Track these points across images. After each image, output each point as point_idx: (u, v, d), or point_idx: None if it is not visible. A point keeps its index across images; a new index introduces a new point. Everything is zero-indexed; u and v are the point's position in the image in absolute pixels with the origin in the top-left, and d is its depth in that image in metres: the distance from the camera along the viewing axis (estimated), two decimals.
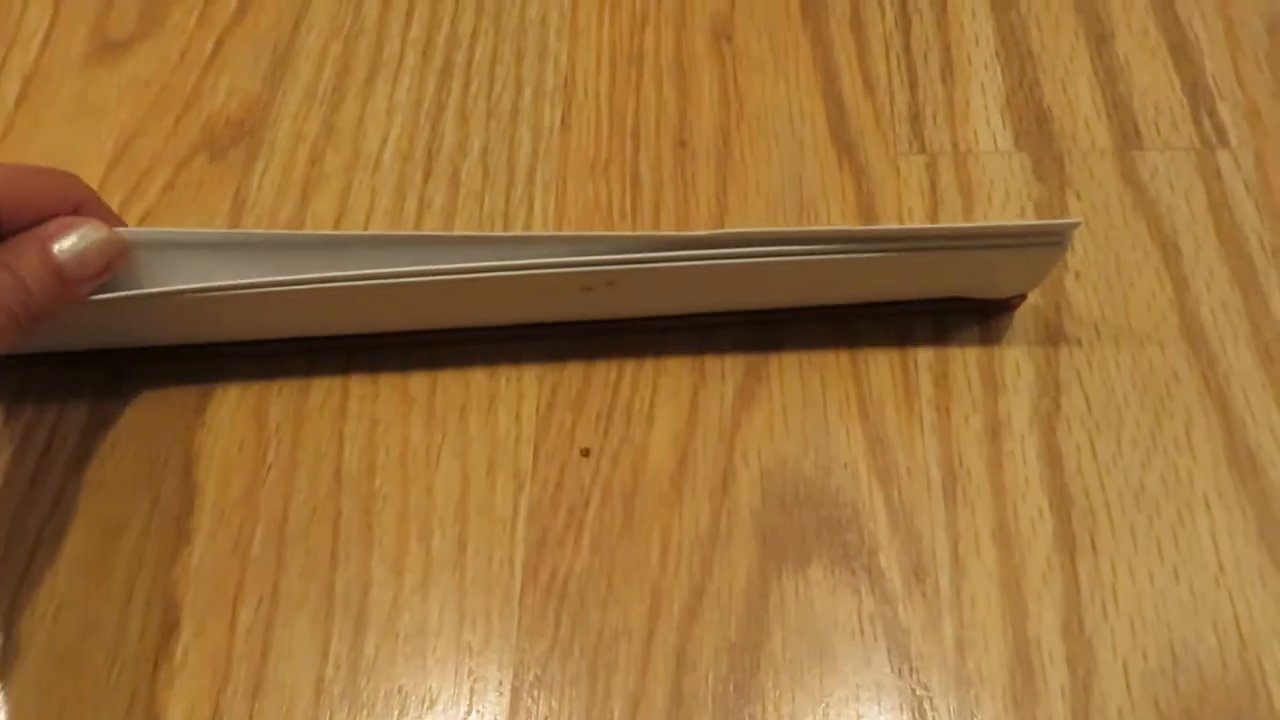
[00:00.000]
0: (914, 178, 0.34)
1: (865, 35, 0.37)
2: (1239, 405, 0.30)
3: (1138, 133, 0.35)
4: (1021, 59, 0.36)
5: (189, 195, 0.36)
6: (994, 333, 0.31)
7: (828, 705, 0.27)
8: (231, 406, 0.32)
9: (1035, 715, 0.26)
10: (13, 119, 0.38)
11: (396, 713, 0.28)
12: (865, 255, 0.28)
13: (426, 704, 0.28)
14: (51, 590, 0.29)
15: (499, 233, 0.34)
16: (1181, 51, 0.36)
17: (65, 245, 0.27)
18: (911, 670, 0.27)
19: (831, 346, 0.32)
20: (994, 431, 0.30)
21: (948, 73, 0.36)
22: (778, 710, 0.27)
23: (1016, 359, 0.31)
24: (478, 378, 0.32)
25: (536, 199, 0.35)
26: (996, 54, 0.37)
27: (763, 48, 0.37)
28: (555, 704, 0.27)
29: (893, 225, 0.31)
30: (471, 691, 0.28)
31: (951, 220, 0.33)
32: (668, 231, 0.30)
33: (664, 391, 0.31)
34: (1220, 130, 0.34)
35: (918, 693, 0.27)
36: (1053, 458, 0.30)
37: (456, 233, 0.34)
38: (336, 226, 0.35)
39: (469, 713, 0.27)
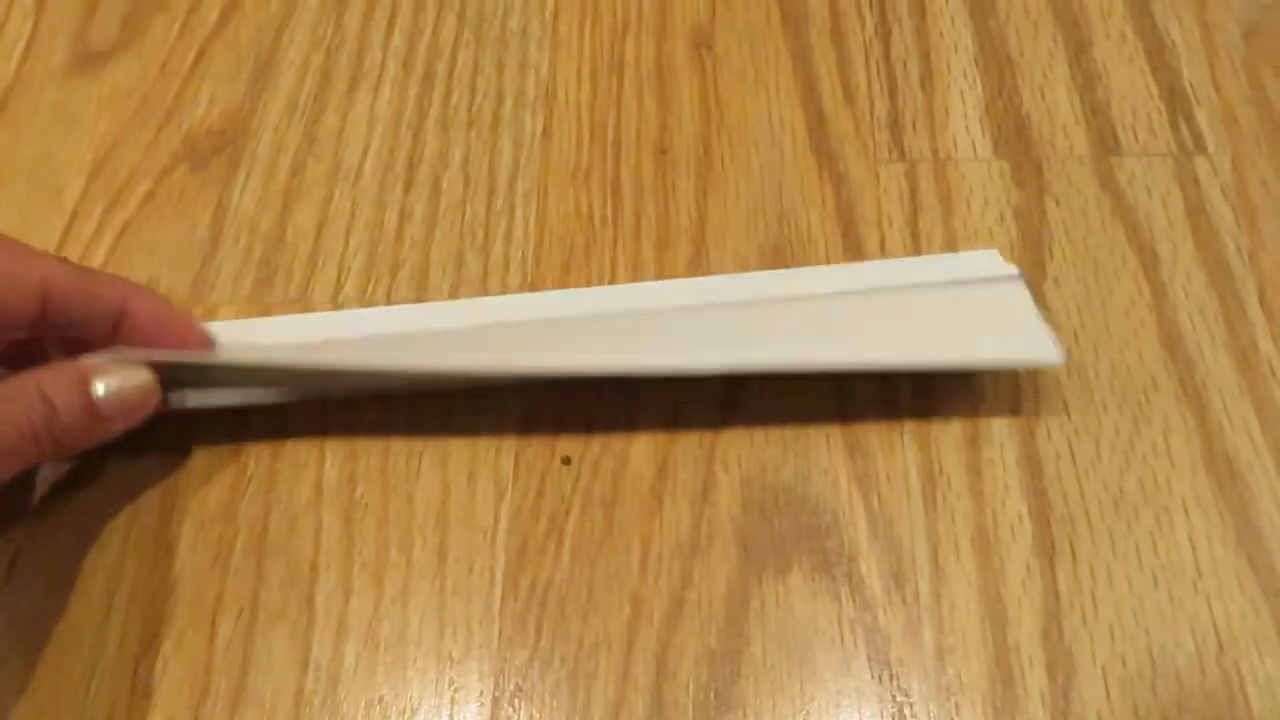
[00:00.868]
0: (893, 185, 0.34)
1: (845, 44, 0.37)
2: (1216, 410, 0.30)
3: (1116, 139, 0.35)
4: (1000, 66, 0.37)
5: (170, 205, 0.36)
6: None
7: (808, 712, 0.27)
8: (210, 417, 0.32)
9: None
10: None
11: None
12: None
13: (407, 714, 0.28)
14: (31, 602, 0.29)
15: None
16: (1159, 57, 0.36)
17: (106, 384, 0.27)
18: (891, 677, 0.27)
19: None
20: (973, 438, 0.30)
21: (927, 80, 0.36)
22: (758, 717, 0.27)
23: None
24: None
25: (518, 208, 0.35)
26: (976, 61, 0.37)
27: (743, 57, 0.37)
28: (536, 713, 0.27)
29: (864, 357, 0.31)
30: (452, 702, 0.28)
31: (930, 226, 0.33)
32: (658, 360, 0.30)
33: (644, 399, 0.31)
34: (1197, 136, 0.35)
35: (898, 699, 0.27)
36: (1032, 464, 0.30)
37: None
38: (317, 237, 0.35)
39: None
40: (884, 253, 0.33)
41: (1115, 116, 0.35)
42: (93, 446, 0.28)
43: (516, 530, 0.30)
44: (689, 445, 0.30)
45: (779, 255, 0.33)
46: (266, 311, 0.33)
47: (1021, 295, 0.30)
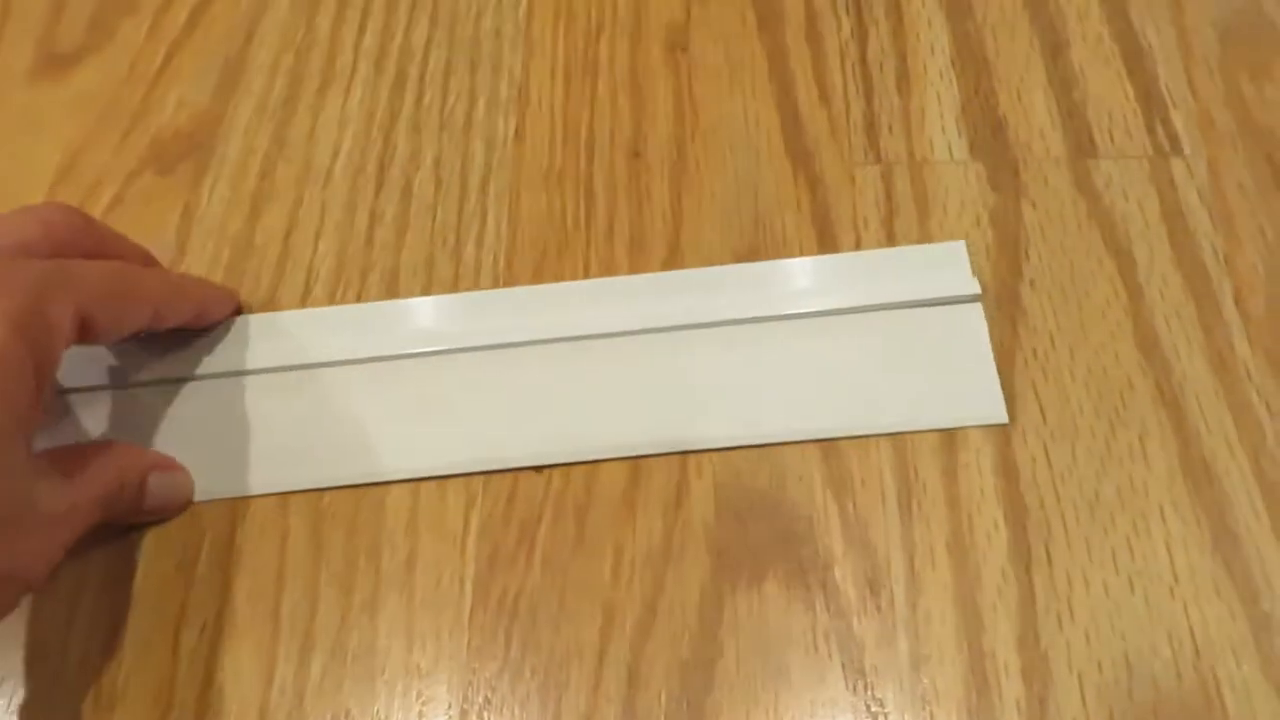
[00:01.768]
0: (869, 187, 0.34)
1: (821, 45, 0.37)
2: (1193, 414, 0.30)
3: (1092, 141, 0.35)
4: (977, 68, 0.36)
5: (137, 209, 0.35)
6: None
7: None
8: None
9: None
10: None
11: None
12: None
13: None
14: None
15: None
16: (1135, 60, 0.36)
17: (160, 481, 0.29)
18: (866, 685, 0.27)
19: None
20: (949, 443, 0.30)
21: (903, 82, 0.36)
22: None
23: None
24: None
25: (490, 210, 0.35)
26: (952, 63, 0.37)
27: (718, 58, 0.37)
28: None
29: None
30: (420, 714, 0.27)
31: (906, 229, 0.33)
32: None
33: None
34: (1174, 139, 0.35)
35: (872, 708, 0.27)
36: (1008, 469, 0.29)
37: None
38: (286, 240, 0.34)
39: None
40: None
41: (1092, 119, 0.35)
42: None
43: (487, 538, 0.29)
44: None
45: (754, 257, 0.33)
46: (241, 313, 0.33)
47: (978, 327, 0.31)
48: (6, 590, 0.25)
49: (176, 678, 0.28)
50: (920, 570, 0.28)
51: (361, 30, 0.39)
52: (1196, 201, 0.33)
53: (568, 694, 0.27)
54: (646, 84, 0.37)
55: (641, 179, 0.35)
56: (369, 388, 0.31)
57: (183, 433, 0.31)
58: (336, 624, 0.28)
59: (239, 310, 0.33)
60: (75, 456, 0.27)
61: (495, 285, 0.33)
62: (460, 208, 0.35)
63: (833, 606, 0.28)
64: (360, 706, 0.27)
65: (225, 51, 0.38)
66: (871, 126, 0.35)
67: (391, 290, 0.33)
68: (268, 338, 0.32)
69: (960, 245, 0.32)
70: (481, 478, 0.30)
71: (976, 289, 0.31)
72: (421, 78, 0.37)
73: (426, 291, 0.33)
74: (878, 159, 0.35)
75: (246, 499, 0.30)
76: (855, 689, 0.27)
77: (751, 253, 0.33)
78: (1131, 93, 0.36)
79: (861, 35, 0.37)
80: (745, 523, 0.29)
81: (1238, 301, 0.31)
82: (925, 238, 0.33)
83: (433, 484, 0.30)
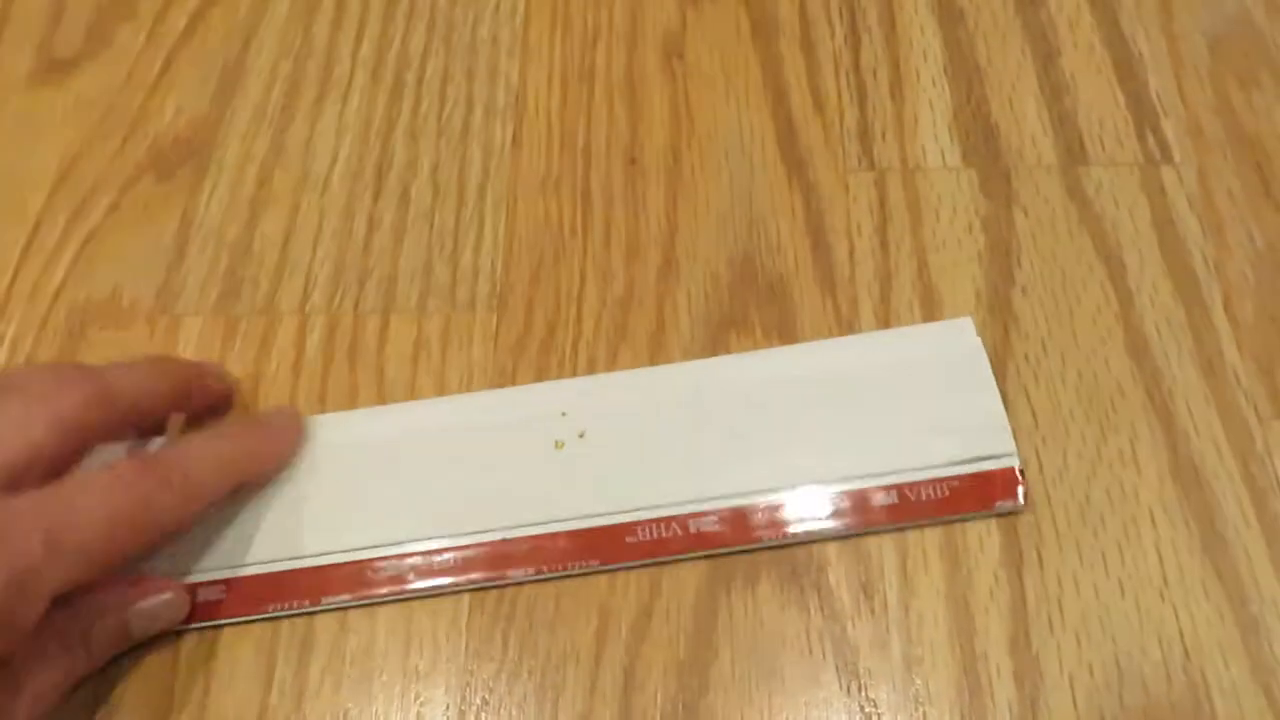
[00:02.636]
0: (863, 194, 0.34)
1: (815, 53, 0.37)
2: (1183, 418, 0.30)
3: (1083, 148, 0.35)
4: (969, 75, 0.37)
5: (135, 215, 0.36)
6: None
7: None
8: None
9: None
10: None
11: None
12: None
13: None
14: None
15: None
16: (1126, 68, 0.37)
17: (142, 607, 0.27)
18: (860, 687, 0.27)
19: None
20: None
21: (896, 89, 0.37)
22: None
23: None
24: None
25: (487, 217, 0.35)
26: (945, 70, 0.37)
27: (714, 66, 0.37)
28: None
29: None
30: (419, 716, 0.27)
31: (899, 235, 0.34)
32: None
33: None
34: (1164, 146, 0.35)
35: (866, 710, 0.27)
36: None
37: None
38: (284, 246, 0.35)
39: None
40: (852, 262, 0.33)
41: (1083, 126, 0.35)
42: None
43: None
44: None
45: (748, 264, 0.33)
46: (232, 324, 0.33)
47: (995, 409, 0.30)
48: None
49: (177, 680, 0.28)
50: (913, 573, 0.28)
51: (359, 38, 0.39)
52: (1186, 208, 0.34)
53: (564, 695, 0.27)
54: (642, 91, 0.37)
55: (637, 186, 0.35)
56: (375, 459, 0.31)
57: None
58: (335, 627, 0.29)
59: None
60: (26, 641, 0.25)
61: (492, 291, 0.33)
62: (457, 214, 0.35)
63: (827, 609, 0.28)
64: (359, 708, 0.27)
65: (223, 58, 0.39)
66: (865, 133, 0.36)
67: (389, 296, 0.33)
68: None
69: (967, 324, 0.31)
70: None
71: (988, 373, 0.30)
72: (419, 85, 0.38)
73: (424, 297, 0.33)
74: (871, 166, 0.35)
75: None
76: (849, 690, 0.27)
77: (746, 258, 0.34)
78: (1122, 100, 0.36)
79: (855, 43, 0.38)
80: None
81: (1227, 308, 0.32)
82: (918, 244, 0.33)
83: None
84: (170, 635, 0.28)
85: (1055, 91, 0.36)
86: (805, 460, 0.29)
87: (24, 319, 0.34)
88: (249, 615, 0.29)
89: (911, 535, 0.29)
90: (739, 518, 0.29)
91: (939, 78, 0.37)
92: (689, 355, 0.32)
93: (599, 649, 0.28)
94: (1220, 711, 0.26)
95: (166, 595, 0.28)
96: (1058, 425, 0.30)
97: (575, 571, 0.29)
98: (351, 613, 0.29)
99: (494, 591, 0.29)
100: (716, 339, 0.32)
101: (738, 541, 0.29)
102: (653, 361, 0.32)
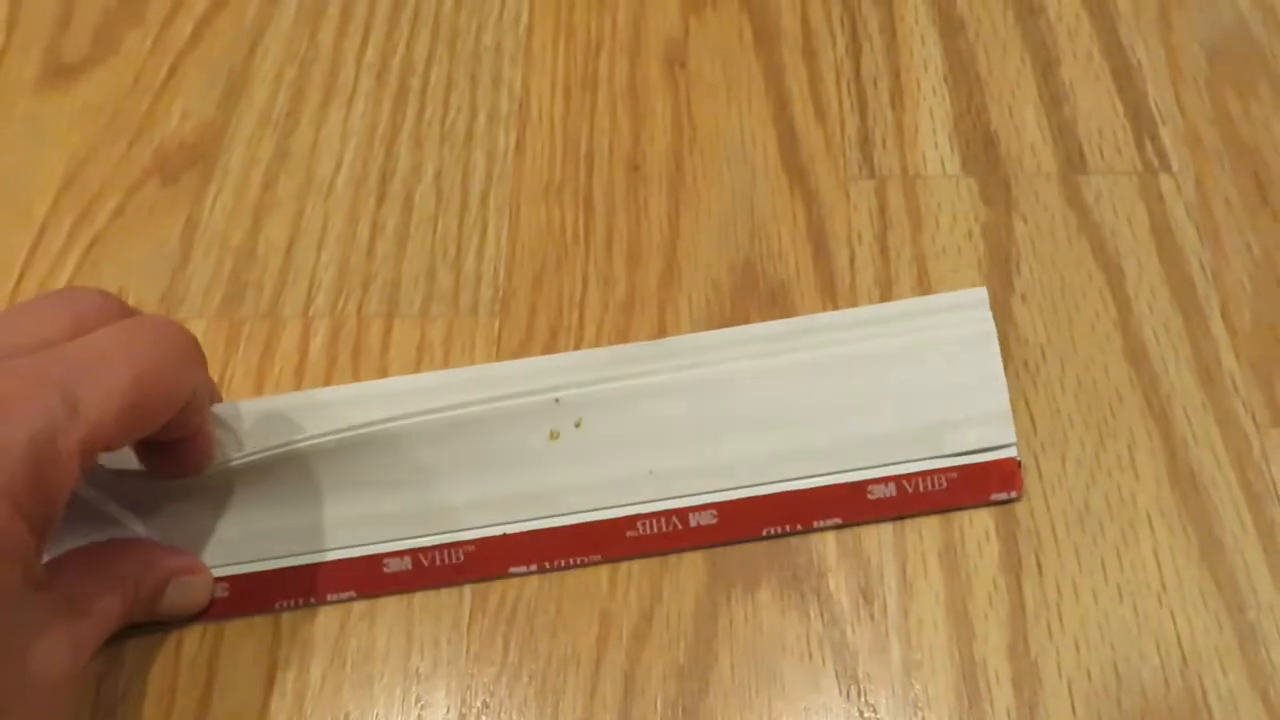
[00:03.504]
0: (863, 202, 0.35)
1: (816, 62, 0.38)
2: (1180, 425, 0.30)
3: (1082, 157, 0.35)
4: (969, 84, 0.37)
5: (140, 220, 0.36)
6: None
7: None
8: None
9: None
10: None
11: None
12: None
13: None
14: None
15: None
16: (1125, 77, 0.37)
17: (178, 589, 0.28)
18: (860, 693, 0.27)
19: None
20: None
21: (897, 98, 0.37)
22: None
23: None
24: None
25: (490, 223, 0.35)
26: (945, 79, 0.37)
27: (716, 74, 0.38)
28: None
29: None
30: (419, 718, 0.28)
31: (900, 243, 0.34)
32: None
33: None
34: (1162, 155, 0.35)
35: (865, 715, 0.27)
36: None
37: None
38: (289, 251, 0.35)
39: None
40: (853, 269, 0.33)
41: (1082, 135, 0.36)
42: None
43: None
44: None
45: (750, 270, 0.34)
46: (236, 328, 0.33)
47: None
48: None
49: (178, 683, 0.28)
50: (913, 579, 0.29)
51: (364, 44, 0.39)
52: (1184, 217, 0.34)
53: (564, 700, 0.28)
54: (645, 99, 0.37)
55: (640, 192, 0.35)
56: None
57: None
58: (336, 629, 0.29)
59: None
60: (89, 568, 0.26)
61: (495, 296, 0.34)
62: (461, 220, 0.35)
63: (826, 614, 0.28)
64: (359, 710, 0.28)
65: (229, 64, 0.39)
66: (866, 142, 0.36)
67: (392, 301, 0.34)
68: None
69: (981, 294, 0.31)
70: None
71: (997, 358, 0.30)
72: (423, 91, 0.38)
73: (427, 302, 0.34)
74: (872, 174, 0.35)
75: None
76: (849, 696, 0.27)
77: (747, 265, 0.34)
78: (1121, 109, 0.36)
79: (856, 52, 0.38)
80: None
81: (1224, 315, 0.32)
82: (918, 252, 0.34)
83: None
84: (171, 637, 0.29)
85: (1055, 100, 0.36)
86: (804, 451, 0.29)
87: None
88: (253, 612, 0.29)
89: (911, 540, 0.29)
90: (739, 511, 0.29)
91: (939, 86, 0.37)
92: None
93: (600, 653, 0.28)
94: (1218, 717, 0.26)
95: (202, 575, 0.28)
96: (1056, 431, 0.30)
97: (577, 565, 0.29)
98: (353, 615, 0.29)
99: (495, 595, 0.29)
100: None
101: (738, 535, 0.29)
102: None
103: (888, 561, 0.29)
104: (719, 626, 0.28)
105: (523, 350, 0.33)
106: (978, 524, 0.29)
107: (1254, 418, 0.30)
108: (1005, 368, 0.31)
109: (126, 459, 0.28)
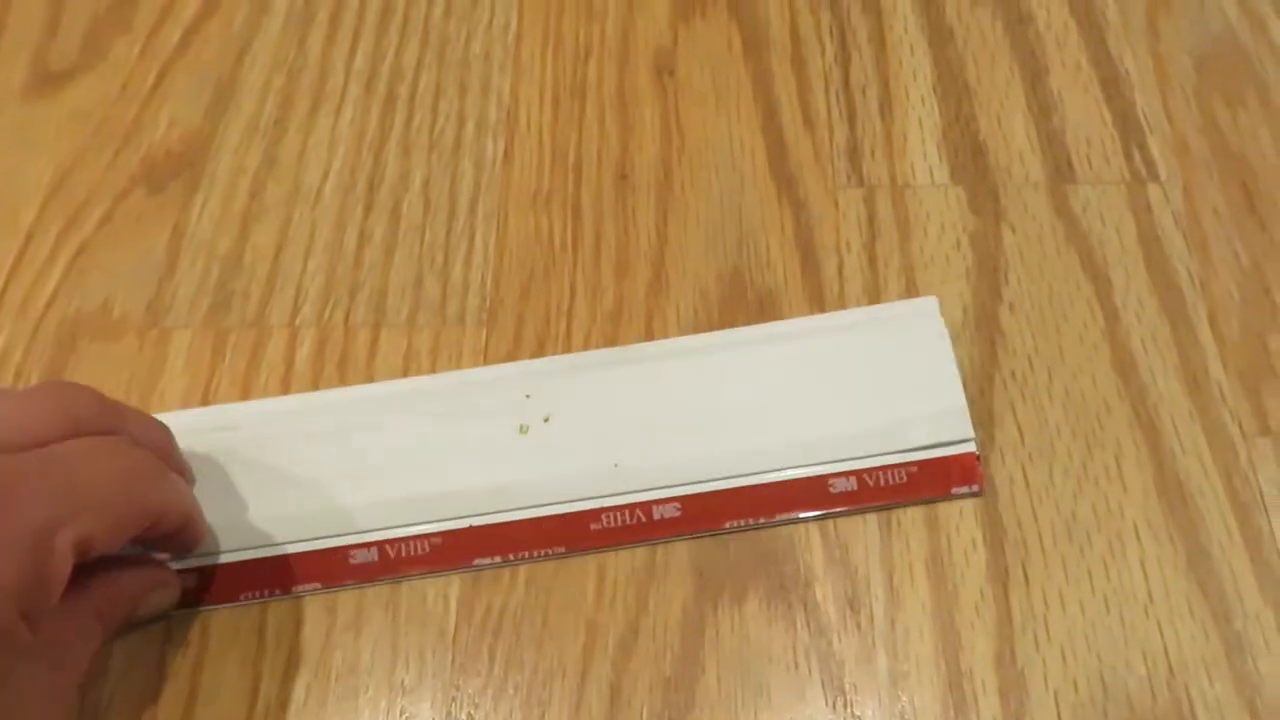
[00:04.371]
0: (852, 210, 0.35)
1: (805, 70, 0.38)
2: (1168, 435, 0.30)
3: (1070, 166, 0.35)
4: (958, 94, 0.37)
5: (127, 228, 0.36)
6: None
7: None
8: None
9: None
10: None
11: None
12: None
13: None
14: None
15: None
16: (1113, 87, 0.37)
17: (152, 599, 0.28)
18: (846, 703, 0.27)
19: None
20: None
21: (886, 107, 0.37)
22: None
23: None
24: None
25: (478, 231, 0.35)
26: (934, 89, 0.37)
27: (705, 82, 0.38)
28: None
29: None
30: None
31: (888, 252, 0.34)
32: None
33: None
34: (1150, 164, 0.35)
35: None
36: (986, 488, 0.30)
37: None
38: (275, 259, 0.35)
39: None
40: (841, 278, 0.33)
41: (1070, 144, 0.36)
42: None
43: None
44: None
45: (738, 279, 0.34)
46: (222, 337, 0.33)
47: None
48: None
49: (161, 695, 0.28)
50: (900, 588, 0.29)
51: (352, 52, 0.39)
52: (1172, 226, 0.34)
53: (550, 711, 0.27)
54: (634, 107, 0.37)
55: (628, 201, 0.35)
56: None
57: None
58: (320, 642, 0.29)
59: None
60: (64, 613, 0.25)
61: (482, 305, 0.33)
62: (448, 229, 0.35)
63: (813, 624, 0.28)
64: None
65: (217, 71, 0.39)
66: (854, 151, 0.36)
67: (379, 309, 0.34)
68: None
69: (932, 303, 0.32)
70: None
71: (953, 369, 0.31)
72: (411, 99, 0.38)
73: (414, 312, 0.33)
74: (860, 183, 0.35)
75: None
76: (835, 706, 0.27)
77: (735, 274, 0.34)
78: (1109, 119, 0.36)
79: (845, 61, 0.38)
80: (727, 542, 0.29)
81: (1212, 324, 0.32)
82: (906, 261, 0.34)
83: None
84: (155, 648, 0.28)
85: (1043, 110, 0.37)
86: (766, 446, 0.30)
87: (14, 330, 0.34)
88: (221, 602, 0.29)
89: (898, 549, 0.29)
90: (701, 504, 0.29)
91: (928, 96, 0.37)
92: None
93: (585, 665, 0.28)
94: None
95: (170, 584, 0.28)
96: (1044, 441, 0.30)
97: (542, 558, 0.29)
98: (337, 627, 0.29)
99: (481, 605, 0.29)
100: None
101: (700, 528, 0.29)
102: None
103: (874, 571, 0.29)
104: (705, 637, 0.28)
105: (510, 360, 0.32)
106: (965, 533, 0.29)
107: (1241, 426, 0.30)
108: (993, 377, 0.31)
109: None
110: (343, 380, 0.32)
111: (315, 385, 0.32)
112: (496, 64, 0.38)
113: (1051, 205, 0.35)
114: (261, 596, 0.29)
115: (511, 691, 0.28)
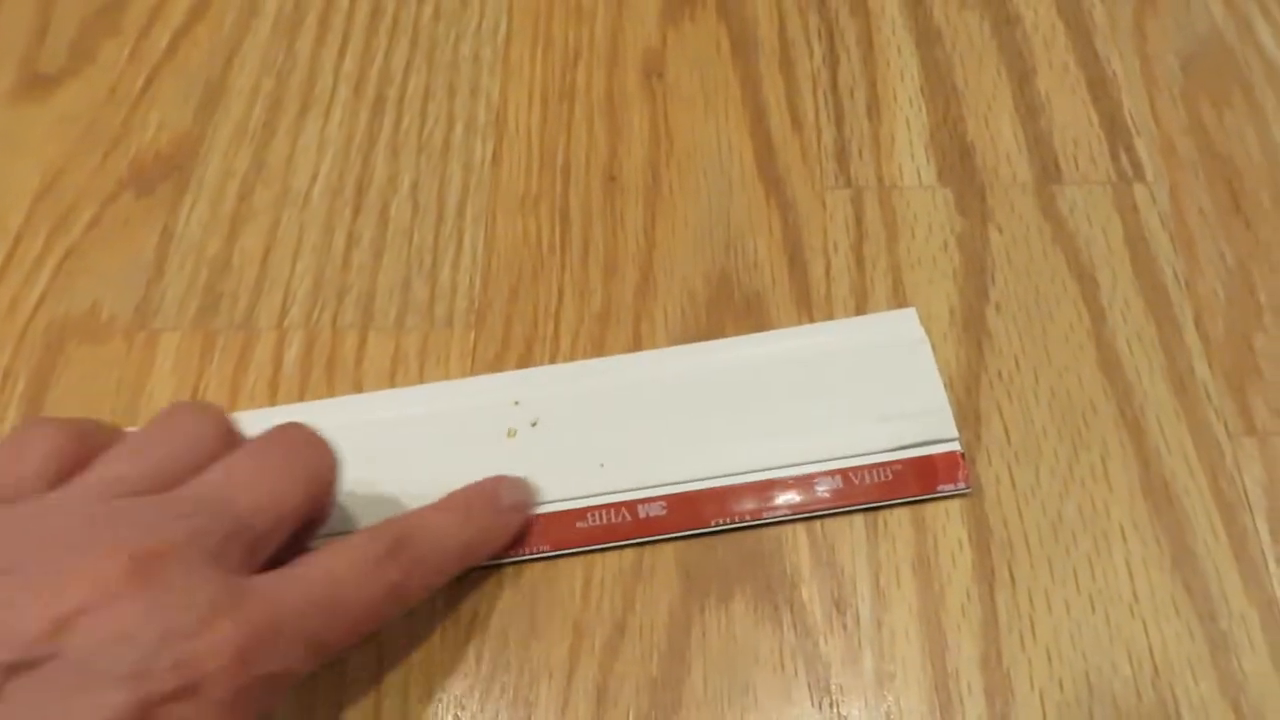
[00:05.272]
0: (839, 212, 0.35)
1: (793, 73, 0.38)
2: (1154, 435, 0.30)
3: (1057, 167, 0.35)
4: (946, 95, 0.37)
5: (115, 231, 0.36)
6: None
7: None
8: None
9: None
10: None
11: None
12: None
13: None
14: None
15: None
16: (1100, 88, 0.37)
17: (508, 494, 0.29)
18: (832, 704, 0.27)
19: None
20: None
21: (874, 109, 0.37)
22: None
23: None
24: None
25: (466, 234, 0.35)
26: (921, 90, 0.37)
27: (693, 85, 0.38)
28: None
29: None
30: None
31: (875, 253, 0.34)
32: None
33: None
34: (1137, 165, 0.35)
35: None
36: (972, 489, 0.30)
37: None
38: (264, 262, 0.35)
39: None
40: (829, 279, 0.33)
41: (1057, 145, 0.36)
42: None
43: None
44: None
45: (725, 281, 0.34)
46: (210, 339, 0.33)
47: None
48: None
49: None
50: (886, 589, 0.29)
51: (341, 54, 0.39)
52: (1158, 226, 0.34)
53: (537, 712, 0.27)
54: (622, 110, 0.37)
55: (616, 203, 0.35)
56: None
57: None
58: None
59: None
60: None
61: (470, 307, 0.34)
62: (437, 231, 0.35)
63: (799, 625, 0.28)
64: None
65: (206, 75, 0.39)
66: (842, 152, 0.36)
67: (367, 312, 0.34)
68: None
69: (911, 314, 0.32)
70: None
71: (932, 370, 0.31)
72: (400, 102, 0.38)
73: (402, 314, 0.33)
74: (848, 184, 0.35)
75: None
76: (821, 707, 0.27)
77: (723, 276, 0.34)
78: (1096, 120, 0.36)
79: (833, 63, 0.38)
80: (714, 542, 0.29)
81: (1198, 325, 0.32)
82: (893, 262, 0.34)
83: None
84: None
85: (1030, 111, 0.37)
86: (750, 447, 0.30)
87: (2, 333, 0.34)
88: None
89: (884, 550, 0.29)
90: (686, 503, 0.29)
91: (915, 97, 0.37)
92: None
93: (572, 665, 0.28)
94: None
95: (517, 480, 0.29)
96: (1030, 442, 0.30)
97: (527, 557, 0.29)
98: None
99: (467, 605, 0.29)
100: None
101: (685, 526, 0.29)
102: None
103: (861, 571, 0.29)
104: (692, 638, 0.28)
105: (498, 362, 0.33)
106: (951, 534, 0.29)
107: (1226, 426, 0.30)
108: (979, 378, 0.31)
109: None
110: (330, 382, 0.32)
111: (303, 388, 0.32)
112: (485, 66, 0.39)
113: (1038, 206, 0.35)
114: None
115: (498, 693, 0.28)
